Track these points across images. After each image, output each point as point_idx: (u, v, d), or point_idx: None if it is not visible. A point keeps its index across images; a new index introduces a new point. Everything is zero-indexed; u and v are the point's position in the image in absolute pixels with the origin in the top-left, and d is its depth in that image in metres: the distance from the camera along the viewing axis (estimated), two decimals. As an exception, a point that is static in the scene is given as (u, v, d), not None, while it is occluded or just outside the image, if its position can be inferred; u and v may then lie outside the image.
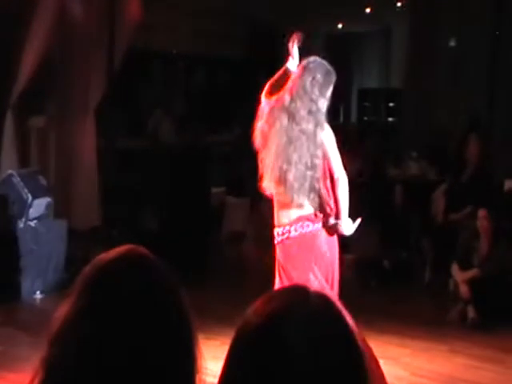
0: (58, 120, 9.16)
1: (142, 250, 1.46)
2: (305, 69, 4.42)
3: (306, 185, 4.26)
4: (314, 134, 4.28)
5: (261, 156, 4.36)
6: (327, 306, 1.19)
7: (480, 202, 7.79)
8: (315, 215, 4.33)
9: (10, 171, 8.14)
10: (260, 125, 4.37)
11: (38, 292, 7.67)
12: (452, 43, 13.06)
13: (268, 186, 4.35)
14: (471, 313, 6.95)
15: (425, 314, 7.59)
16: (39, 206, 7.90)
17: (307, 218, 4.33)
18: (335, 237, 4.44)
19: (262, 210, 10.15)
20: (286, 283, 4.16)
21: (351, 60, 15.07)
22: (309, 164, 4.25)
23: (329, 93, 4.48)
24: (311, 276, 4.28)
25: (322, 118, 4.36)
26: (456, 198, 8.67)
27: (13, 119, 8.55)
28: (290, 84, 4.41)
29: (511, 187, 8.83)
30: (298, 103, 4.32)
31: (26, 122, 8.86)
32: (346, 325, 1.18)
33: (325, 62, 4.55)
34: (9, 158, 8.51)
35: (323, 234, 4.36)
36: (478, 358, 6.05)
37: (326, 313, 1.17)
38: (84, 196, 9.20)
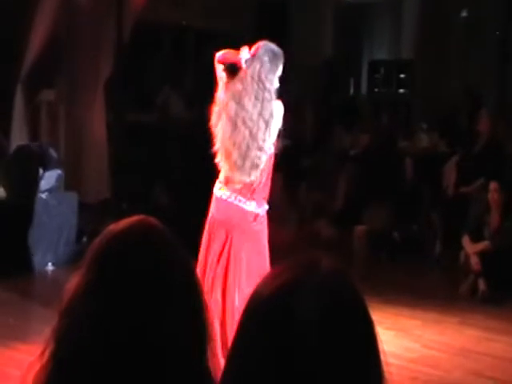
0: (67, 94, 9.15)
1: (152, 220, 1.46)
2: (254, 57, 4.73)
3: (248, 164, 4.66)
4: (258, 119, 4.65)
5: (214, 134, 4.79)
6: (338, 276, 1.18)
7: (491, 175, 7.76)
8: (251, 195, 4.74)
9: (20, 144, 8.17)
10: (216, 107, 4.78)
11: (49, 264, 7.72)
12: (464, 13, 12.94)
13: (219, 162, 4.77)
14: (482, 285, 6.94)
15: (436, 286, 7.60)
16: (50, 178, 7.93)
17: (245, 194, 4.74)
18: (265, 220, 4.81)
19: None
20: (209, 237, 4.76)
21: (361, 31, 14.95)
22: (250, 146, 4.65)
23: (276, 75, 4.77)
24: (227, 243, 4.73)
25: (269, 103, 4.67)
26: (467, 171, 8.63)
27: (23, 93, 8.55)
28: (242, 73, 4.74)
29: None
30: (246, 90, 4.67)
31: (36, 96, 8.86)
32: (357, 295, 1.18)
33: (272, 46, 4.80)
34: (19, 132, 8.53)
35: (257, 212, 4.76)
36: (489, 330, 6.06)
37: (336, 283, 1.17)
38: (94, 169, 9.22)
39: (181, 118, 10.69)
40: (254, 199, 4.76)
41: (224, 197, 4.77)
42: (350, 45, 14.73)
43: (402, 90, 13.85)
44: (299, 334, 1.11)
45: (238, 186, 4.72)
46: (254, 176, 4.70)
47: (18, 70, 8.46)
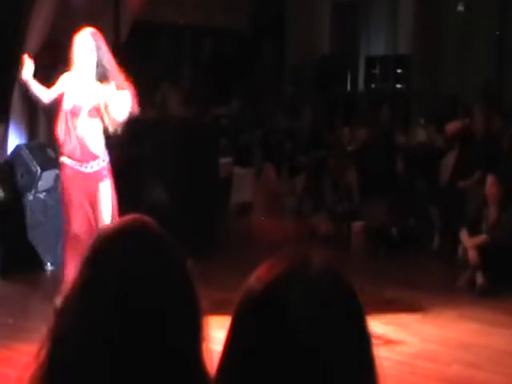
0: (65, 92, 9.13)
1: (147, 220, 1.47)
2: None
3: None
4: None
5: None
6: (329, 272, 1.19)
7: (489, 168, 7.77)
8: None
9: (18, 143, 8.17)
10: None
11: (48, 264, 7.72)
12: (460, 7, 12.94)
13: None
14: (480, 279, 6.96)
15: (434, 280, 7.61)
16: (48, 178, 7.92)
17: None
18: None
19: (267, 179, 10.16)
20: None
21: (358, 27, 14.94)
22: None
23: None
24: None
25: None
26: (465, 165, 8.65)
27: (21, 92, 8.54)
28: None
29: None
30: None
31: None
32: (348, 290, 1.19)
33: None
34: (17, 131, 8.52)
35: None
36: (487, 323, 6.08)
37: (327, 278, 1.18)
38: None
39: (179, 115, 10.69)
40: None
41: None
42: (346, 41, 14.73)
43: (399, 85, 13.86)
44: (290, 330, 1.12)
45: None
46: None
47: (16, 68, 8.46)
